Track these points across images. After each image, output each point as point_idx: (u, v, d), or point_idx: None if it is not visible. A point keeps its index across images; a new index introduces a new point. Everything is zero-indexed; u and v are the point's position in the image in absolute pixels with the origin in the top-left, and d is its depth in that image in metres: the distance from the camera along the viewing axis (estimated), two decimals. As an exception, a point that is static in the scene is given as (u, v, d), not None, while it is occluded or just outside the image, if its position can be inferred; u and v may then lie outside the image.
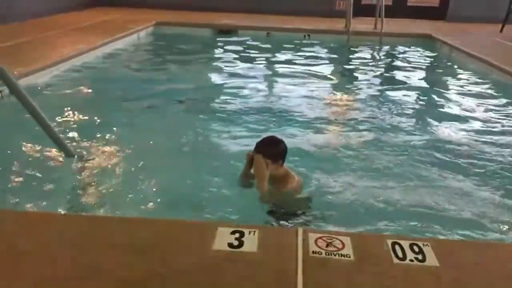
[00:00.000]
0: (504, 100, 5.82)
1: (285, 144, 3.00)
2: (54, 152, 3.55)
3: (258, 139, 3.03)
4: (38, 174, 3.29)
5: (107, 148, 3.78)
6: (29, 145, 3.69)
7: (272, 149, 2.94)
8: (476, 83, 6.72)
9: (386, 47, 9.38)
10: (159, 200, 3.01)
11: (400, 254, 1.91)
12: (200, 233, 2.03)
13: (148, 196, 3.04)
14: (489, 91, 6.26)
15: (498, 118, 5.10)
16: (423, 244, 1.97)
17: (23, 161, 3.46)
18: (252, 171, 2.99)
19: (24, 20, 9.08)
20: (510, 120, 5.07)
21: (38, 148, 3.64)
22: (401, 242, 1.99)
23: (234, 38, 9.70)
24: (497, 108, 5.49)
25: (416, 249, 1.94)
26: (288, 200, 2.96)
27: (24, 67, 5.42)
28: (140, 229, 2.11)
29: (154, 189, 3.14)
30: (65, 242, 1.97)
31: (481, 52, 7.72)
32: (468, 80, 7.01)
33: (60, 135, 3.55)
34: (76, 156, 3.54)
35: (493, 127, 4.77)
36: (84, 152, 3.65)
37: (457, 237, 2.68)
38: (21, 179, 3.20)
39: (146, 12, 11.36)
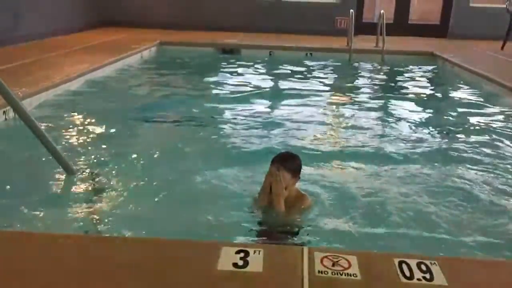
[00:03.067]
0: (506, 116, 5.82)
1: (300, 158, 2.97)
2: (55, 169, 3.54)
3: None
4: (38, 193, 3.27)
5: (109, 166, 3.77)
6: (30, 163, 3.69)
7: (291, 163, 2.89)
8: (478, 100, 6.72)
9: (388, 65, 9.43)
10: (162, 219, 2.98)
11: (407, 273, 1.88)
12: (205, 253, 2.00)
13: (151, 215, 3.02)
14: (491, 107, 6.25)
15: (503, 134, 5.08)
16: (431, 263, 1.94)
17: (24, 179, 3.45)
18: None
19: (30, 41, 9.19)
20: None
21: (39, 166, 3.64)
22: (408, 260, 1.96)
23: (237, 58, 9.77)
24: (501, 125, 5.48)
25: (424, 268, 1.91)
26: (298, 219, 2.90)
27: (29, 87, 5.46)
28: (144, 249, 2.08)
29: (157, 208, 3.12)
30: (68, 263, 1.95)
31: (483, 69, 7.74)
32: (470, 96, 7.02)
33: (62, 151, 3.54)
34: (77, 174, 3.53)
35: (499, 143, 4.74)
36: (86, 170, 3.65)
37: (465, 255, 2.64)
38: (21, 198, 3.17)
39: (151, 32, 11.50)
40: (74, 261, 1.97)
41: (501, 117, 5.83)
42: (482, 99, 6.72)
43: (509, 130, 5.27)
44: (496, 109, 6.16)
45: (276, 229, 2.81)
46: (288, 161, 2.88)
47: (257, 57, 9.62)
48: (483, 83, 7.28)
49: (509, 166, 4.08)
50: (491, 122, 5.59)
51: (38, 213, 3.00)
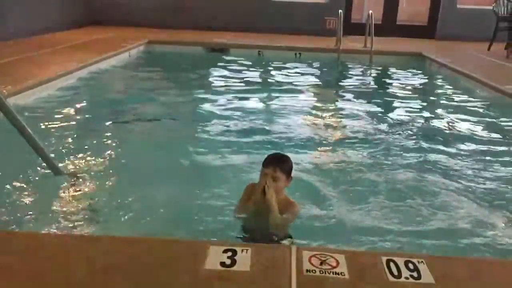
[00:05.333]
0: (492, 116, 5.88)
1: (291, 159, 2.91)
2: (42, 170, 3.49)
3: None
4: (26, 193, 3.23)
5: (97, 167, 3.74)
6: (17, 163, 3.63)
7: (286, 163, 2.80)
8: (465, 100, 6.79)
9: (376, 65, 9.47)
10: (150, 218, 2.97)
11: (395, 272, 1.88)
12: (192, 252, 1.99)
13: (139, 215, 3.00)
14: (478, 107, 6.31)
15: (488, 134, 5.13)
16: (418, 261, 1.95)
17: (11, 179, 3.39)
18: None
19: (16, 39, 9.07)
20: (500, 135, 5.10)
21: (26, 166, 3.58)
22: (396, 259, 1.96)
23: (226, 57, 9.75)
24: (486, 124, 5.53)
25: (411, 266, 1.92)
26: (287, 226, 2.81)
27: (14, 86, 5.38)
28: (131, 248, 2.07)
29: (144, 208, 3.09)
30: (54, 263, 1.92)
31: (469, 69, 7.82)
32: (456, 96, 7.08)
33: (50, 153, 3.49)
34: (65, 175, 3.49)
35: (484, 143, 4.79)
36: (74, 171, 3.60)
37: (453, 253, 2.65)
38: (8, 198, 3.14)
39: (139, 31, 11.40)
40: (60, 260, 1.94)
41: (487, 116, 5.88)
42: (468, 99, 6.78)
43: (494, 128, 5.33)
44: (481, 109, 6.22)
45: (264, 237, 2.71)
46: (283, 162, 2.80)
47: (246, 57, 9.60)
48: (470, 84, 7.35)
49: (497, 166, 4.13)
50: (477, 121, 5.64)
51: (24, 213, 2.96)
